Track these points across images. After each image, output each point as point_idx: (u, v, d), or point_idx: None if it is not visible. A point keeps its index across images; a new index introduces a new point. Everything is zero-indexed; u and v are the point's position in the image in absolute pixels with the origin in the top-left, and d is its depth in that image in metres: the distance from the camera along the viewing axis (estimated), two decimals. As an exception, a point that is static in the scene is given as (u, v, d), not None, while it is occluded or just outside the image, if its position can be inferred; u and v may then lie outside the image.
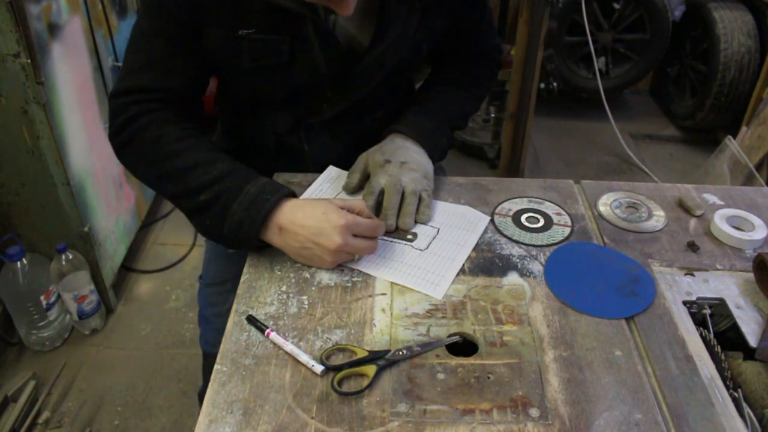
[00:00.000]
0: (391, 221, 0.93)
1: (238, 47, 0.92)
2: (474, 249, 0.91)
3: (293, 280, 0.85)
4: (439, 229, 0.95)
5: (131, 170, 0.97)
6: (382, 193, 0.95)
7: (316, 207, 0.85)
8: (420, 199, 0.96)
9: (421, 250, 0.91)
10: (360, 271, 0.86)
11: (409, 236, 0.93)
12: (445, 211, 0.99)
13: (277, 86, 0.99)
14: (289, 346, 0.74)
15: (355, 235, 0.84)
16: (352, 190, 1.01)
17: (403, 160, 0.98)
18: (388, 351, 0.74)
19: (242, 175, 0.88)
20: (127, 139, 0.93)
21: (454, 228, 0.95)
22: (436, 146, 1.05)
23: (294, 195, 0.89)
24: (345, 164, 1.05)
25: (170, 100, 0.94)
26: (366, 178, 1.00)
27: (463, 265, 0.88)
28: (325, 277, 0.86)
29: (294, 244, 0.84)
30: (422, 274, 0.86)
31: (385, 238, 0.92)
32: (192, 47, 0.93)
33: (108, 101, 0.96)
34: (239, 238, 0.86)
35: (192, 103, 1.00)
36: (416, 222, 0.95)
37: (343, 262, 0.87)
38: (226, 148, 1.12)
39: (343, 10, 0.82)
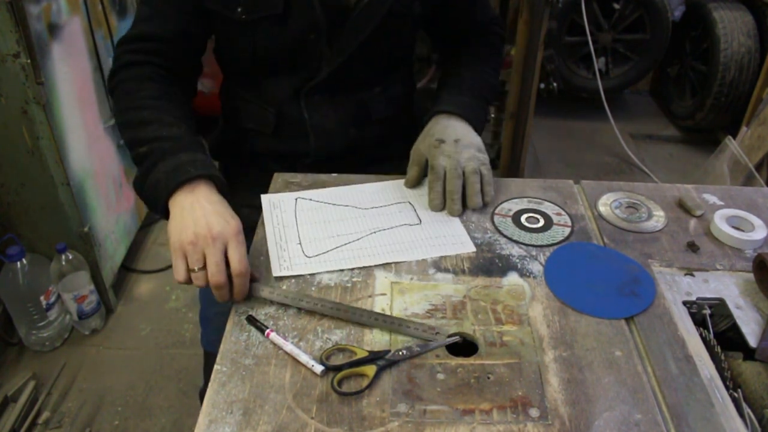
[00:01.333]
0: (457, 205, 0.96)
1: None
2: (474, 249, 0.91)
3: (293, 280, 0.85)
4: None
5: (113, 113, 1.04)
6: (446, 175, 0.97)
7: (228, 206, 0.85)
8: (481, 175, 0.98)
9: (418, 224, 0.95)
10: (360, 271, 0.86)
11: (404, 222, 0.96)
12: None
13: (274, 42, 1.02)
14: (289, 346, 0.74)
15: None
16: (413, 183, 1.03)
17: (456, 137, 1.00)
18: (388, 351, 0.74)
19: (186, 145, 0.89)
20: (114, 84, 1.01)
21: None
22: (479, 120, 1.08)
23: (220, 182, 0.87)
24: (343, 136, 1.08)
25: (166, 51, 1.01)
26: (425, 166, 1.02)
27: (463, 264, 0.88)
28: (325, 277, 0.86)
29: (190, 213, 0.81)
30: (440, 241, 0.90)
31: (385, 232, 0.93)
32: None
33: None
34: (151, 198, 0.87)
35: (187, 59, 1.05)
36: (481, 202, 0.98)
37: (190, 267, 0.81)
38: (228, 135, 1.16)
39: None
